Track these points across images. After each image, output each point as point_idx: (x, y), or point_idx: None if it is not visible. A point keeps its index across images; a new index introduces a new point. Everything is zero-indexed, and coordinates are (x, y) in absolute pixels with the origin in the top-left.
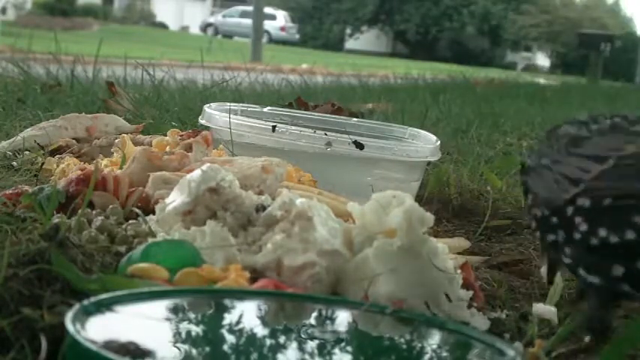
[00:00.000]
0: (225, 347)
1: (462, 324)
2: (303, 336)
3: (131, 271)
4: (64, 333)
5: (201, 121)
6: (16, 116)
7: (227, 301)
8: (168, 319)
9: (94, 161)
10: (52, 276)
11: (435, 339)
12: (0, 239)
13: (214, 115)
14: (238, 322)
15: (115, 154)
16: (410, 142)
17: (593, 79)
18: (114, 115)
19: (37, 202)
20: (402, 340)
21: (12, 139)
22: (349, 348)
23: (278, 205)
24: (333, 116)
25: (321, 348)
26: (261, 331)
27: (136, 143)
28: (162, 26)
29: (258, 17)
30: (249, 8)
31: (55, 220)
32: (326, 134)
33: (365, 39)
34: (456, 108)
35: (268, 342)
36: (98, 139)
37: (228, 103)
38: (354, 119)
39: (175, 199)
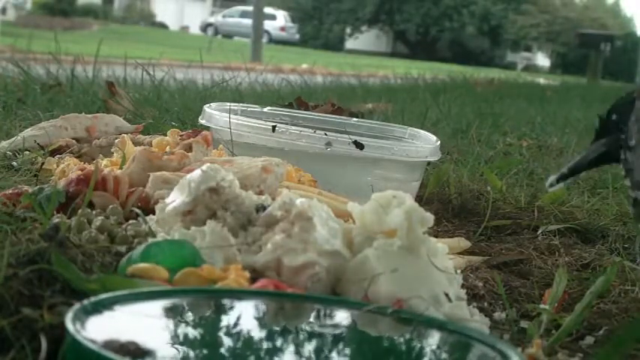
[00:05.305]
0: (225, 347)
1: (462, 324)
2: (302, 336)
3: (131, 271)
4: (64, 333)
5: (201, 121)
6: (16, 116)
7: (227, 301)
8: (168, 319)
9: (94, 161)
10: (52, 276)
11: (435, 340)
12: (0, 239)
13: (214, 115)
14: (238, 323)
15: (115, 154)
16: (410, 142)
17: (593, 79)
18: (114, 115)
19: (37, 202)
20: (402, 340)
21: (12, 139)
22: (349, 349)
23: (278, 205)
24: (333, 116)
25: (321, 349)
26: (261, 331)
27: (136, 143)
28: (162, 26)
29: (258, 17)
30: (249, 8)
31: (55, 220)
32: (326, 134)
33: (365, 39)
34: (456, 108)
35: (268, 342)
36: (98, 139)
37: (228, 103)
38: (354, 119)
39: (175, 199)
